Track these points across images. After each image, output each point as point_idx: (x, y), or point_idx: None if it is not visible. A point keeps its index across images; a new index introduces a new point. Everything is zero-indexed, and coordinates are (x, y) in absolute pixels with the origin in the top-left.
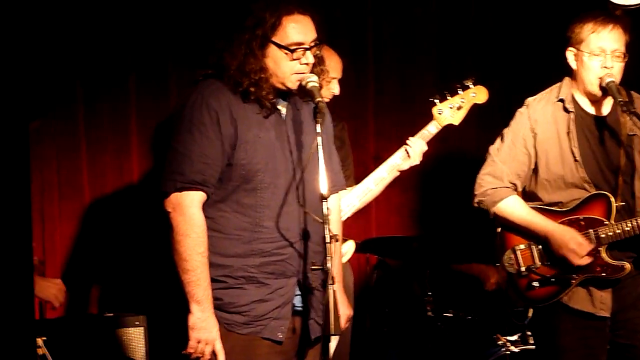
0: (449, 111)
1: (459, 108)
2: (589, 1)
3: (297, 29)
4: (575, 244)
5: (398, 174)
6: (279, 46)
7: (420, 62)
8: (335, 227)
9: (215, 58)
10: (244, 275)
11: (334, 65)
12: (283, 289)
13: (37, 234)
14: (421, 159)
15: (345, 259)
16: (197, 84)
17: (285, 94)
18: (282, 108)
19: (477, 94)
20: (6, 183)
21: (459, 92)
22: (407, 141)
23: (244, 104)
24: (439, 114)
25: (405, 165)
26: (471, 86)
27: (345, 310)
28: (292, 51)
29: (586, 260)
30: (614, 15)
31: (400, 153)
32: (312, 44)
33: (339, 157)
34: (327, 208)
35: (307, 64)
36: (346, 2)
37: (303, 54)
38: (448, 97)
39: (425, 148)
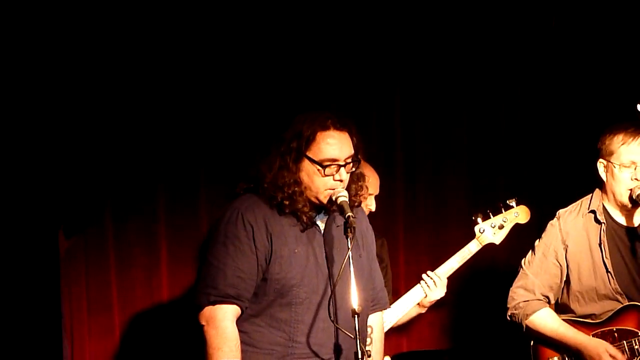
0: (491, 230)
1: (501, 227)
2: (621, 112)
3: (332, 144)
4: (608, 357)
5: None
6: (312, 161)
7: (451, 177)
8: (377, 345)
9: (253, 171)
10: None
11: (371, 181)
12: None
13: (67, 351)
14: (443, 290)
15: None
16: (235, 198)
17: (327, 209)
18: (321, 223)
19: (520, 214)
20: (37, 300)
21: (502, 210)
22: (424, 275)
23: (281, 217)
24: (481, 232)
25: (430, 296)
26: (514, 205)
27: None
28: (325, 167)
29: None
30: None
31: (416, 290)
32: (347, 161)
33: None
34: (360, 323)
35: (340, 180)
36: (377, 116)
37: (337, 170)
38: (490, 216)
39: (444, 280)
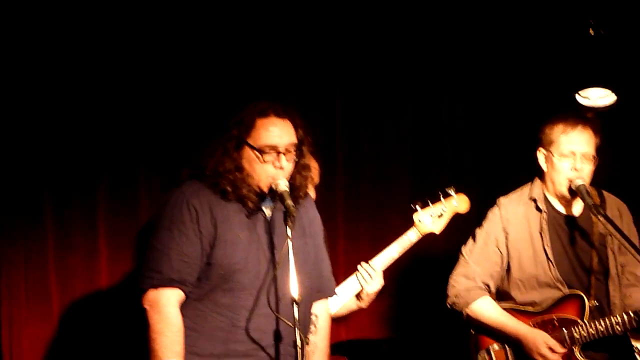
0: (430, 219)
1: (440, 216)
2: (561, 103)
3: (271, 131)
4: (546, 349)
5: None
6: (252, 148)
7: (392, 167)
8: (322, 333)
9: (197, 158)
10: None
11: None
12: None
13: (4, 337)
14: (380, 281)
15: None
16: (180, 184)
17: (273, 196)
18: (267, 209)
19: (459, 203)
20: None
21: (440, 199)
22: (359, 266)
23: (226, 203)
24: (420, 221)
25: (367, 289)
26: (453, 194)
27: None
28: (263, 153)
29: None
30: (585, 117)
31: (352, 280)
32: (289, 149)
33: None
34: (302, 311)
35: (280, 167)
36: (316, 105)
37: (277, 158)
38: (430, 205)
39: (379, 269)
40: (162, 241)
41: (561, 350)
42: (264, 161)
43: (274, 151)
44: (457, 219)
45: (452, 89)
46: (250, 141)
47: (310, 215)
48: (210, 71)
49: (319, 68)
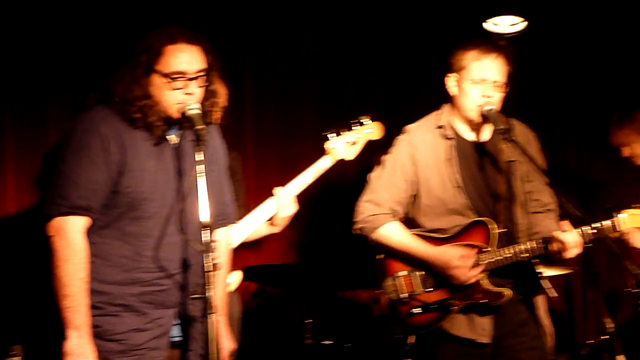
0: (344, 146)
1: (354, 143)
2: (473, 30)
3: (180, 57)
4: (458, 261)
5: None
6: (160, 74)
7: (300, 90)
8: (223, 259)
9: (104, 83)
10: (122, 303)
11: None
12: (162, 319)
13: None
14: (294, 206)
15: (231, 288)
16: (87, 109)
17: (180, 124)
18: (174, 137)
19: (373, 130)
20: None
21: (354, 127)
22: (274, 191)
23: (135, 131)
24: (333, 148)
25: (280, 214)
26: (367, 122)
27: (227, 344)
28: (173, 79)
29: (473, 274)
30: (497, 44)
31: (268, 205)
32: (197, 74)
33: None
34: (210, 237)
35: (189, 93)
36: (226, 34)
37: (186, 84)
38: (342, 132)
39: (293, 194)
40: (70, 167)
41: (473, 257)
42: (174, 88)
43: (183, 77)
44: (371, 145)
45: (362, 11)
46: (158, 68)
47: (216, 143)
48: None
49: None
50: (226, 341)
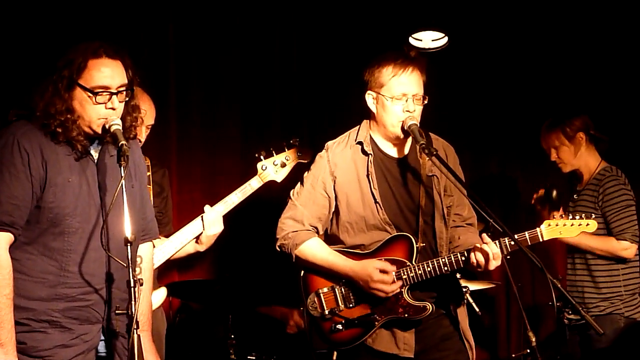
0: (273, 167)
1: (283, 165)
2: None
3: (103, 72)
4: (379, 273)
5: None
6: (84, 88)
7: (225, 109)
8: (146, 274)
9: (26, 98)
10: (48, 320)
11: (148, 112)
12: (87, 335)
13: None
14: (221, 226)
15: (155, 305)
16: (9, 125)
17: (101, 139)
18: (94, 152)
19: (303, 153)
20: None
21: (285, 149)
22: (205, 208)
23: (56, 146)
24: (263, 169)
25: (208, 232)
26: (296, 145)
27: (152, 359)
28: (96, 94)
29: (395, 287)
30: (410, 56)
31: (196, 223)
32: (120, 89)
33: (157, 203)
34: (132, 252)
35: (112, 108)
36: (149, 48)
37: (109, 99)
38: (273, 154)
39: (221, 214)
40: None
41: (391, 268)
42: (96, 102)
43: (106, 92)
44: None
45: (288, 30)
46: (82, 82)
47: (136, 158)
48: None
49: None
50: (151, 357)
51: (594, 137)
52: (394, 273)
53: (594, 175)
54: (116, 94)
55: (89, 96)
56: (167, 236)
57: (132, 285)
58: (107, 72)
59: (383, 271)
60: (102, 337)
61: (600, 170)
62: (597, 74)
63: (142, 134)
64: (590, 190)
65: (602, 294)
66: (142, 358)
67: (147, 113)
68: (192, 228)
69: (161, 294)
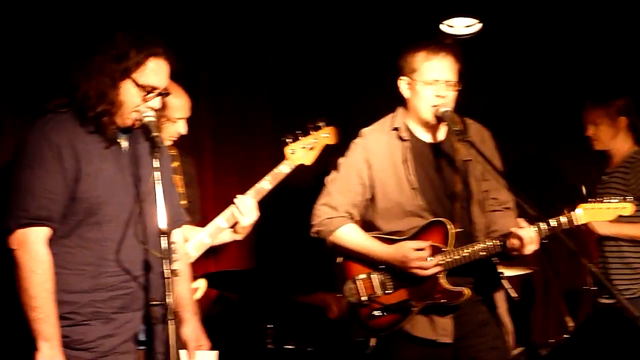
0: (302, 151)
1: (312, 148)
2: (420, 30)
3: (157, 72)
4: (415, 254)
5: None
6: (137, 85)
7: (256, 97)
8: (183, 260)
9: (67, 85)
10: (91, 311)
11: (182, 104)
12: (130, 323)
13: None
14: (255, 214)
15: (197, 296)
16: (37, 119)
17: (129, 128)
18: (123, 141)
19: (330, 135)
20: None
21: (311, 132)
22: (235, 200)
23: (85, 136)
24: (292, 153)
25: (242, 222)
26: (323, 127)
27: (204, 342)
28: (148, 92)
29: (432, 264)
30: (445, 44)
31: (228, 212)
32: (165, 90)
33: (188, 193)
34: (169, 243)
35: (153, 107)
36: (181, 45)
37: (153, 97)
38: (300, 138)
39: (254, 201)
40: (25, 179)
41: (426, 244)
42: (145, 99)
43: (155, 91)
44: (328, 150)
45: (316, 16)
46: (135, 77)
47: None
48: None
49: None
50: (197, 343)
51: (634, 123)
52: (429, 251)
53: (627, 159)
54: (163, 95)
55: (139, 91)
56: (197, 225)
57: (167, 276)
58: (162, 74)
59: (419, 249)
60: (143, 325)
61: (633, 154)
62: (636, 56)
63: (183, 127)
64: (621, 172)
65: (635, 277)
66: (184, 347)
67: (184, 106)
68: (225, 219)
69: (201, 285)
